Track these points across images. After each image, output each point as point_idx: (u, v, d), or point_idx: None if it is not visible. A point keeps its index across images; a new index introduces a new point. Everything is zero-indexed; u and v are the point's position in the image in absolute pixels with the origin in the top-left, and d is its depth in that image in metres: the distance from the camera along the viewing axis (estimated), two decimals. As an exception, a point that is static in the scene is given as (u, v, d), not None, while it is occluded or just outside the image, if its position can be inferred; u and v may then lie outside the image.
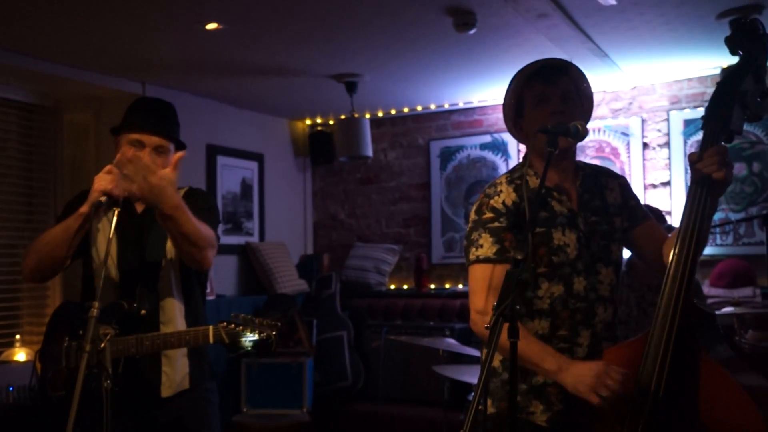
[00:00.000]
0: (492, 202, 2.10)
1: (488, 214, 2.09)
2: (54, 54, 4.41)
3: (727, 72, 1.89)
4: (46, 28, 3.95)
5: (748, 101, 1.83)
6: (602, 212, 2.16)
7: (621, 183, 2.27)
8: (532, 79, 2.15)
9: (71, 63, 4.58)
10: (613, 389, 1.77)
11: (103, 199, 2.16)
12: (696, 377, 1.74)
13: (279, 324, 2.20)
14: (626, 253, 2.30)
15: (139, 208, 2.52)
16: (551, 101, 2.10)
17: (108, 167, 2.23)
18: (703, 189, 1.82)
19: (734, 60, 4.23)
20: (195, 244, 2.26)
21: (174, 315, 2.44)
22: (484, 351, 1.84)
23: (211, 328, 2.22)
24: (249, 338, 2.16)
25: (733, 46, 1.89)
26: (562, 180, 2.15)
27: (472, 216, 2.15)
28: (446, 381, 4.11)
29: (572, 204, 2.14)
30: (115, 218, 2.16)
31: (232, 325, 2.19)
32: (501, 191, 2.11)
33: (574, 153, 2.20)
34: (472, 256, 2.09)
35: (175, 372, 2.42)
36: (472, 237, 2.11)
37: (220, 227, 2.62)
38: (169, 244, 2.45)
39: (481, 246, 2.06)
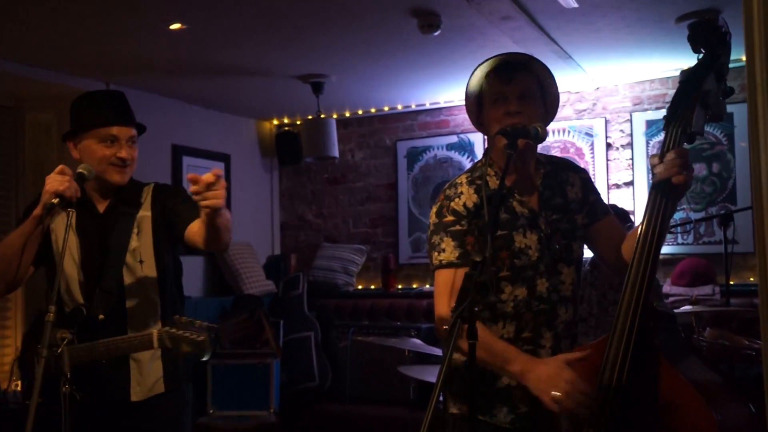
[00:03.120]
0: (453, 204, 2.06)
1: (449, 217, 2.05)
2: (15, 53, 4.35)
3: (688, 72, 1.82)
4: (7, 27, 3.89)
5: (710, 101, 1.77)
6: (563, 210, 2.12)
7: (582, 177, 2.21)
8: (490, 76, 2.09)
9: (33, 62, 4.52)
10: (565, 390, 1.78)
11: (55, 200, 2.10)
12: (654, 381, 1.74)
13: (216, 326, 2.15)
14: (588, 251, 2.28)
15: (101, 207, 2.45)
16: (508, 100, 2.05)
17: (60, 167, 2.15)
18: (663, 193, 1.79)
19: (693, 62, 4.26)
20: (229, 228, 2.22)
21: (146, 318, 2.38)
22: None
23: (155, 332, 2.17)
24: (189, 342, 2.12)
25: (695, 45, 1.83)
26: (523, 179, 2.10)
27: (433, 218, 2.10)
28: (412, 381, 4.13)
29: (533, 204, 2.10)
30: (69, 220, 2.12)
31: (174, 329, 2.14)
32: (461, 192, 2.07)
33: (535, 150, 2.12)
34: (435, 261, 2.06)
35: (146, 376, 2.38)
36: (433, 240, 2.08)
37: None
38: (135, 244, 2.39)
39: (444, 250, 2.04)
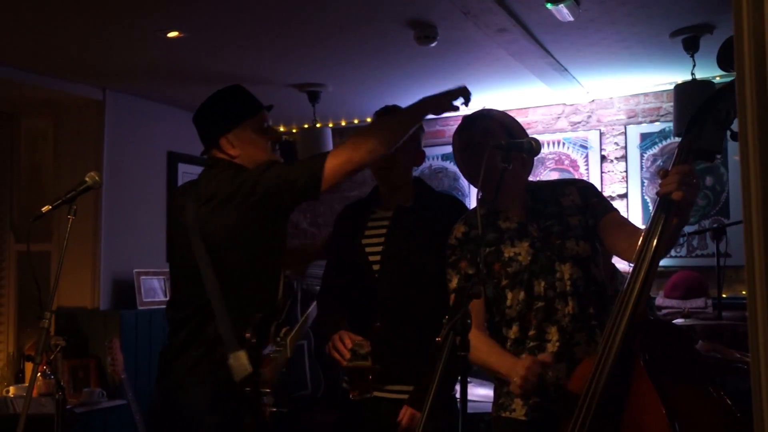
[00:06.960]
0: (449, 241, 2.36)
1: (448, 252, 2.36)
2: (11, 58, 4.36)
3: (714, 90, 1.82)
4: (3, 32, 3.90)
5: (722, 118, 1.76)
6: (557, 215, 2.28)
7: (579, 186, 2.37)
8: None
9: (29, 68, 4.53)
10: (523, 376, 1.96)
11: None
12: (627, 391, 1.79)
13: None
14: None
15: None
16: None
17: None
18: (662, 208, 1.81)
19: (687, 76, 4.23)
20: None
21: None
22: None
23: None
24: None
25: (725, 65, 1.79)
26: (509, 199, 2.30)
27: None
28: (405, 390, 4.13)
29: (521, 217, 2.29)
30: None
31: None
32: (454, 228, 2.37)
33: (519, 173, 2.30)
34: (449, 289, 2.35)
35: None
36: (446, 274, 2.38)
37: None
38: None
39: (450, 281, 2.34)
